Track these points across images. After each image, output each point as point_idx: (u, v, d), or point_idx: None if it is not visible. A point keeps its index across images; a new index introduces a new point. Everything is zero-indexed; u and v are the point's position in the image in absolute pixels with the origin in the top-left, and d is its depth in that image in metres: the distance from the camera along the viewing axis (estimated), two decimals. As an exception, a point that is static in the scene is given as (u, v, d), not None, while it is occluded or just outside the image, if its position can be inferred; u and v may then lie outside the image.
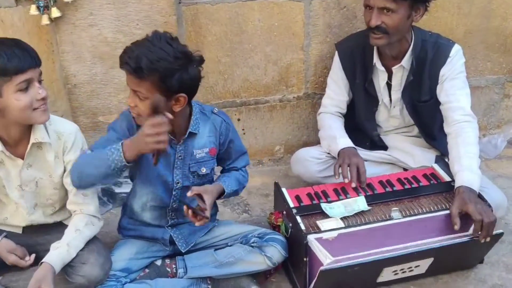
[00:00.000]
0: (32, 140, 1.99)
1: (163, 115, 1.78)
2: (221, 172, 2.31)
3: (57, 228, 2.16)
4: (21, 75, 1.84)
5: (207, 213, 1.97)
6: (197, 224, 1.97)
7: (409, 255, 2.07)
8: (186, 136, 2.07)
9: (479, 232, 2.08)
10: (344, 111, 2.72)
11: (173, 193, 2.15)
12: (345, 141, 2.53)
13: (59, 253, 1.99)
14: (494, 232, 2.10)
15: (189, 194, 1.99)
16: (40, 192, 2.11)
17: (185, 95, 1.92)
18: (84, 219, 2.11)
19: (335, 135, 2.55)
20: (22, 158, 2.02)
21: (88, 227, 2.09)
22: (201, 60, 1.94)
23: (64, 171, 2.09)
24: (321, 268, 1.96)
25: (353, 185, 2.33)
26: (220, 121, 2.16)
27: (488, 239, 2.10)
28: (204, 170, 2.16)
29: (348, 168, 2.36)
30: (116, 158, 1.84)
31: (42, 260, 1.96)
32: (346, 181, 2.34)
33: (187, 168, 2.13)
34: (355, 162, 2.38)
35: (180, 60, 1.86)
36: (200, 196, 2.00)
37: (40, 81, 1.91)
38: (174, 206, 2.18)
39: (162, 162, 2.03)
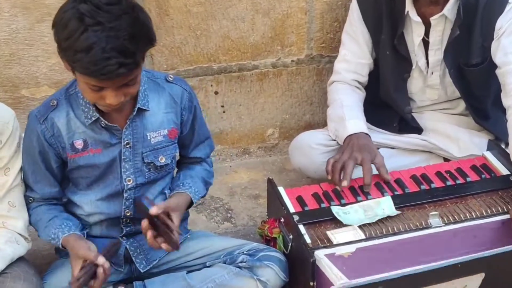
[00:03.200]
0: None
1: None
2: (177, 166, 2.34)
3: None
4: None
5: (176, 236, 2.00)
6: (163, 247, 2.00)
7: (452, 269, 2.06)
8: (133, 115, 2.09)
9: None
10: (364, 79, 2.76)
11: (125, 195, 2.18)
12: (355, 125, 2.54)
13: None
14: None
15: (153, 212, 1.97)
16: None
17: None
18: (7, 234, 2.12)
19: (344, 115, 2.57)
20: None
21: (11, 245, 2.10)
22: None
23: None
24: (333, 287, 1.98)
25: (345, 183, 2.33)
26: (181, 91, 2.19)
27: None
28: (163, 160, 2.19)
29: (347, 164, 2.36)
30: (54, 243, 2.12)
31: None
32: (339, 188, 2.36)
33: (139, 159, 2.16)
34: (368, 158, 2.37)
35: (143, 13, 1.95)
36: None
37: None
38: (128, 214, 2.22)
39: (103, 155, 2.11)
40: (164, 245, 2.00)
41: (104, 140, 2.10)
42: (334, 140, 2.64)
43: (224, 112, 3.14)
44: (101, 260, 1.95)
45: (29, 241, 2.18)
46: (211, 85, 3.08)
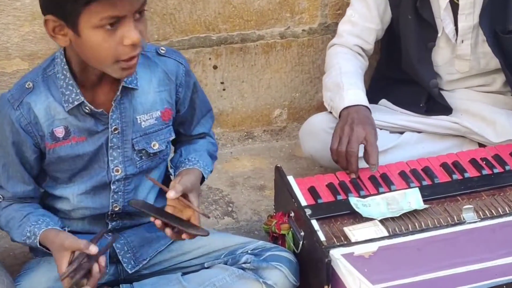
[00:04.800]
0: None
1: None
2: (176, 144, 2.35)
3: None
4: None
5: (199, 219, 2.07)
6: (185, 237, 2.06)
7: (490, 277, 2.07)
8: (118, 95, 2.08)
9: None
10: (370, 46, 2.78)
11: (112, 187, 2.19)
12: (354, 95, 2.56)
13: None
14: None
15: (171, 195, 2.01)
16: None
17: None
18: None
19: (342, 83, 2.59)
20: None
21: None
22: None
23: None
24: None
25: (352, 176, 2.38)
26: (175, 65, 2.19)
27: None
28: (156, 146, 2.20)
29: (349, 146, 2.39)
30: (30, 242, 2.10)
31: None
32: (353, 175, 2.40)
33: (129, 146, 2.16)
34: (362, 135, 2.40)
35: None
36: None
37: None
38: (117, 209, 2.23)
39: (88, 143, 2.11)
40: (185, 235, 2.05)
41: (88, 128, 2.10)
42: None
43: (224, 89, 3.15)
44: (93, 248, 1.94)
45: None
46: (209, 58, 3.08)
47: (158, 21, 2.95)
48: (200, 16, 2.98)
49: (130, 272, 2.24)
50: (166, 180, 2.31)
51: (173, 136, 2.25)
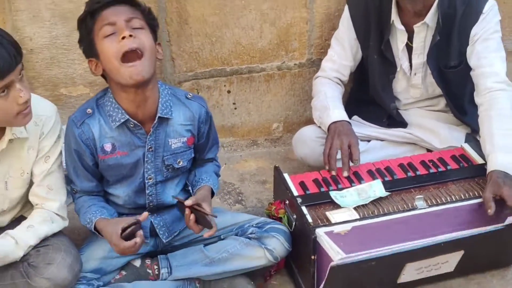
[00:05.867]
0: (8, 136, 1.99)
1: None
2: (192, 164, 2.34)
3: (15, 224, 2.15)
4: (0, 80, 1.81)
5: (214, 225, 2.06)
6: (206, 235, 2.06)
7: (436, 247, 2.09)
8: (156, 122, 2.09)
9: None
10: (345, 78, 2.76)
11: (147, 192, 2.20)
12: (338, 113, 2.55)
13: (2, 244, 1.98)
14: None
15: (188, 203, 2.04)
16: (9, 195, 2.11)
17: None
18: (43, 214, 2.12)
19: (328, 105, 2.58)
20: None
21: (46, 223, 2.10)
22: None
23: (36, 157, 2.09)
24: (332, 263, 1.99)
25: (345, 174, 2.36)
26: (199, 108, 2.19)
27: None
28: (180, 163, 2.21)
29: (340, 151, 2.39)
30: (89, 227, 2.12)
31: None
32: (333, 172, 2.37)
33: (160, 161, 2.17)
34: (347, 141, 2.40)
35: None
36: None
37: (21, 78, 1.87)
38: (151, 206, 2.24)
39: (129, 157, 2.13)
40: (197, 227, 2.07)
41: (130, 143, 2.11)
42: None
43: (235, 108, 3.13)
44: (144, 214, 2.04)
45: (65, 220, 2.17)
46: (225, 85, 3.06)
47: (186, 57, 2.93)
48: (217, 53, 2.97)
49: (165, 241, 2.25)
50: (184, 188, 2.32)
51: (193, 156, 2.25)
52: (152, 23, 2.04)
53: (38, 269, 2.02)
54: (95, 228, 2.08)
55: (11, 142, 2.01)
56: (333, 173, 2.36)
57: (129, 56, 1.92)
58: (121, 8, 1.96)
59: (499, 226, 2.14)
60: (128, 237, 1.97)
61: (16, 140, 2.02)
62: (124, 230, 1.98)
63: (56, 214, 2.14)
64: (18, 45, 1.86)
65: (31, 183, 2.13)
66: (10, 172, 2.07)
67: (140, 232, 1.99)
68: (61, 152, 2.15)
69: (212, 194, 2.25)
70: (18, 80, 1.85)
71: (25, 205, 2.20)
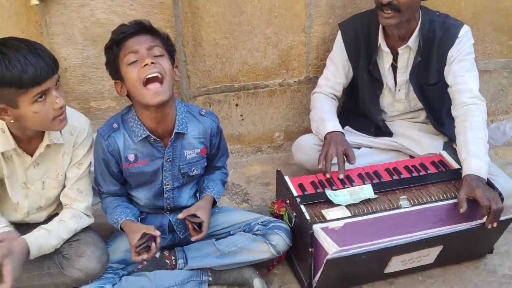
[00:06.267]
0: (46, 141, 2.00)
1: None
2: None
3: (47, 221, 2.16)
4: (38, 87, 1.80)
5: (204, 228, 2.09)
6: (194, 238, 2.10)
7: (418, 243, 2.10)
8: (173, 137, 2.10)
9: (487, 218, 2.12)
10: (339, 93, 2.75)
11: (165, 196, 2.22)
12: (334, 125, 2.55)
13: (39, 235, 1.98)
14: (503, 218, 2.14)
15: (180, 216, 2.11)
16: (46, 193, 2.13)
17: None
18: (71, 212, 2.12)
19: (324, 118, 2.58)
20: (31, 155, 2.02)
21: (74, 219, 2.11)
22: None
23: (69, 163, 2.11)
24: (328, 257, 1.98)
25: (341, 176, 2.36)
26: (211, 123, 2.20)
27: (495, 225, 2.13)
28: (195, 171, 2.21)
29: (336, 157, 2.39)
30: (116, 226, 2.15)
31: (21, 237, 1.93)
32: (328, 175, 2.37)
33: (176, 170, 2.18)
34: (342, 149, 2.40)
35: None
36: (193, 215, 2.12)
37: (57, 87, 1.88)
38: (168, 207, 2.25)
39: (150, 166, 2.14)
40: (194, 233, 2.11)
41: (150, 154, 2.12)
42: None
43: (242, 119, 3.14)
44: (157, 232, 2.01)
45: (91, 218, 2.18)
46: (233, 99, 3.07)
47: (200, 75, 2.94)
48: (227, 72, 2.98)
49: (181, 237, 2.26)
50: (196, 191, 2.33)
51: (206, 164, 2.25)
52: (170, 49, 2.04)
53: (71, 261, 2.04)
54: (120, 228, 2.11)
55: (49, 147, 2.02)
56: (327, 175, 2.36)
57: (151, 80, 1.93)
58: (143, 38, 1.96)
59: (473, 224, 2.15)
60: (143, 247, 2.01)
61: (53, 145, 2.03)
62: (141, 238, 2.00)
63: (83, 213, 2.14)
64: (55, 57, 1.87)
65: (64, 185, 2.15)
66: (47, 174, 2.08)
67: (153, 246, 2.00)
68: (90, 163, 2.16)
69: (215, 201, 2.25)
70: (55, 88, 1.86)
71: (60, 204, 2.21)
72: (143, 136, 2.07)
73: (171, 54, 2.04)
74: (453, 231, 2.13)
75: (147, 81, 1.92)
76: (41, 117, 1.86)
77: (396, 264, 2.18)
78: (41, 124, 1.91)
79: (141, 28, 1.98)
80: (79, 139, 2.09)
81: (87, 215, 2.16)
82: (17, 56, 1.76)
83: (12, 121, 1.87)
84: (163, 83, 1.94)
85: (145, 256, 1.98)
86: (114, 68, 2.01)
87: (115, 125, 2.10)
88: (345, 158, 2.41)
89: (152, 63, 1.92)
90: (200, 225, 2.09)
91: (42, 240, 1.97)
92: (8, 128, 1.94)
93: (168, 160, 2.14)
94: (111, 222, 2.17)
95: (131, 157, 2.11)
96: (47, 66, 1.81)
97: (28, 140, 1.99)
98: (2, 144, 1.95)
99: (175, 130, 2.09)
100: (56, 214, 2.20)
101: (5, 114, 1.85)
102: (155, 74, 1.92)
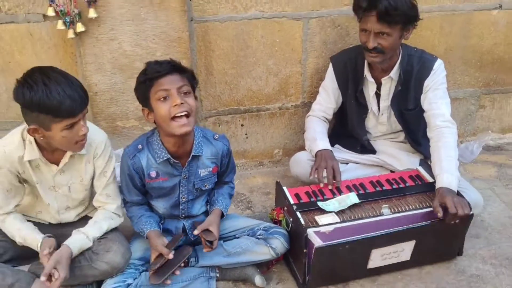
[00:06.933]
0: (70, 153, 2.01)
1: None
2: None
3: (82, 221, 2.18)
4: (71, 119, 1.83)
5: (215, 243, 2.10)
6: (205, 251, 2.11)
7: (393, 234, 2.10)
8: (190, 159, 2.10)
9: (452, 221, 2.13)
10: (330, 117, 2.75)
11: (180, 207, 2.21)
12: (324, 144, 2.55)
13: (78, 239, 2.02)
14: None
15: (195, 232, 2.11)
16: (72, 195, 2.13)
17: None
18: (104, 213, 2.14)
19: (316, 138, 2.58)
20: (57, 164, 2.03)
21: (107, 220, 2.12)
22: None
23: (94, 174, 2.11)
24: (316, 246, 1.98)
25: (330, 187, 2.35)
26: (222, 146, 2.19)
27: (457, 221, 2.13)
28: (207, 186, 2.21)
29: (325, 170, 2.39)
30: (142, 234, 2.15)
31: (63, 243, 1.99)
32: (322, 185, 2.36)
33: (191, 185, 2.17)
34: (331, 164, 2.41)
35: None
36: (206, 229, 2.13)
37: (84, 116, 1.90)
38: (183, 216, 2.25)
39: (169, 182, 2.13)
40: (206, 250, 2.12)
41: (169, 172, 2.12)
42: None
43: (247, 138, 3.14)
44: (171, 255, 2.03)
45: (121, 217, 2.19)
46: (239, 120, 3.07)
47: (211, 99, 2.95)
48: (234, 97, 2.99)
49: (192, 239, 2.25)
50: (207, 202, 2.32)
51: (216, 180, 2.25)
52: (194, 85, 2.01)
53: (99, 255, 2.04)
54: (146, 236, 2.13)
55: (72, 157, 2.03)
56: (321, 185, 2.36)
57: (179, 115, 1.92)
58: (173, 77, 1.92)
59: (437, 218, 2.13)
60: (157, 267, 2.04)
61: (76, 155, 2.04)
62: (157, 257, 2.04)
63: (114, 213, 2.15)
64: (87, 93, 1.89)
65: (90, 188, 2.15)
66: (72, 179, 2.09)
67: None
68: (114, 168, 2.15)
69: (223, 214, 2.23)
70: (82, 119, 1.88)
71: (88, 207, 2.22)
72: (165, 158, 2.06)
73: (194, 88, 2.01)
74: (421, 225, 2.13)
75: (175, 116, 1.92)
76: (67, 140, 1.88)
77: (376, 258, 2.16)
78: (65, 146, 1.93)
79: (173, 68, 1.95)
80: (98, 151, 2.08)
81: (118, 215, 2.17)
82: (57, 89, 1.77)
83: (41, 138, 1.89)
84: (189, 117, 1.94)
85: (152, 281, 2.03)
86: (144, 98, 1.98)
87: (139, 146, 2.09)
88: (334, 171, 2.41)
89: (182, 103, 1.91)
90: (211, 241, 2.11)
91: (81, 242, 2.02)
92: (35, 140, 1.96)
93: (185, 177, 2.13)
94: (137, 230, 2.17)
95: (153, 174, 2.10)
96: (81, 101, 1.83)
97: (52, 151, 2.00)
98: (29, 154, 1.96)
99: (192, 153, 2.09)
100: (86, 216, 2.21)
101: (36, 133, 1.87)
102: (184, 113, 1.92)
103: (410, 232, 2.12)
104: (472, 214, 2.19)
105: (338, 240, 2.01)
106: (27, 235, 2.03)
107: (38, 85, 1.76)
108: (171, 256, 2.03)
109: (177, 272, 2.07)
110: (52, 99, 1.76)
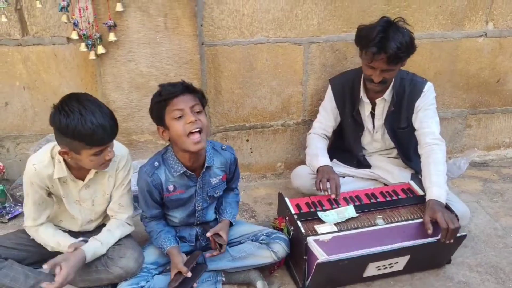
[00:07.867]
0: (94, 170, 2.04)
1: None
2: None
3: (98, 229, 2.19)
4: (101, 147, 1.86)
5: (224, 248, 2.11)
6: (215, 254, 2.11)
7: (390, 252, 2.09)
8: (204, 170, 2.12)
9: (445, 236, 2.12)
10: (329, 134, 2.75)
11: (196, 215, 2.22)
12: (324, 160, 2.55)
13: (93, 245, 2.02)
14: (458, 235, 2.14)
15: (208, 234, 2.12)
16: (95, 209, 2.15)
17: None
18: (117, 222, 2.15)
19: (317, 154, 2.58)
20: (83, 179, 2.06)
21: (119, 228, 2.13)
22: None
23: (114, 185, 2.13)
24: (318, 261, 1.98)
25: (333, 196, 2.35)
26: (230, 155, 2.19)
27: (452, 241, 2.13)
28: (218, 193, 2.22)
29: (328, 182, 2.39)
30: (162, 250, 2.14)
31: (81, 247, 1.99)
32: (326, 193, 2.36)
33: (205, 194, 2.18)
34: (333, 177, 2.41)
35: None
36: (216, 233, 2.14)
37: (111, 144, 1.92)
38: (198, 223, 2.26)
39: (185, 193, 2.13)
40: (216, 252, 2.13)
41: (186, 184, 2.12)
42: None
43: (252, 152, 3.14)
44: (189, 274, 2.03)
45: (132, 226, 2.19)
46: (245, 136, 3.08)
47: (219, 116, 2.97)
48: (240, 114, 3.00)
49: (203, 244, 2.25)
50: (215, 208, 2.32)
51: (225, 187, 2.26)
52: (204, 103, 2.02)
53: (114, 261, 2.05)
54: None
55: (97, 173, 2.05)
56: (325, 193, 2.35)
57: (193, 132, 1.93)
58: (186, 97, 1.94)
59: (433, 239, 2.14)
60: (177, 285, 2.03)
61: (100, 172, 2.06)
62: (176, 274, 2.05)
63: (126, 222, 2.16)
64: (117, 123, 1.90)
65: (110, 200, 2.16)
66: (96, 194, 2.11)
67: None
68: (130, 180, 2.16)
69: (231, 223, 2.24)
70: (109, 145, 1.91)
71: (106, 217, 2.23)
72: (181, 171, 2.07)
73: (204, 106, 2.02)
74: (417, 244, 2.12)
75: (190, 132, 1.94)
76: (93, 164, 1.91)
77: (372, 269, 2.16)
78: (91, 166, 1.96)
79: (185, 89, 1.97)
80: (120, 164, 2.10)
81: (129, 224, 2.17)
82: (91, 119, 1.79)
83: (70, 159, 1.91)
84: (202, 133, 1.95)
85: None
86: (159, 118, 1.97)
87: (156, 164, 2.09)
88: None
89: (196, 120, 1.92)
90: (221, 244, 2.11)
91: (95, 249, 2.02)
92: (64, 159, 1.97)
93: (199, 187, 2.15)
94: (156, 245, 2.16)
95: (171, 188, 2.11)
96: (111, 131, 1.86)
97: (79, 169, 2.02)
98: (58, 172, 1.98)
99: (206, 165, 2.10)
100: (102, 224, 2.22)
101: (66, 155, 1.90)
102: (197, 130, 1.94)
103: (406, 249, 2.12)
104: (466, 234, 2.19)
105: (338, 256, 2.01)
106: (61, 241, 2.05)
107: (75, 114, 1.78)
108: (189, 274, 2.03)
109: (195, 285, 2.07)
110: (86, 128, 1.78)
